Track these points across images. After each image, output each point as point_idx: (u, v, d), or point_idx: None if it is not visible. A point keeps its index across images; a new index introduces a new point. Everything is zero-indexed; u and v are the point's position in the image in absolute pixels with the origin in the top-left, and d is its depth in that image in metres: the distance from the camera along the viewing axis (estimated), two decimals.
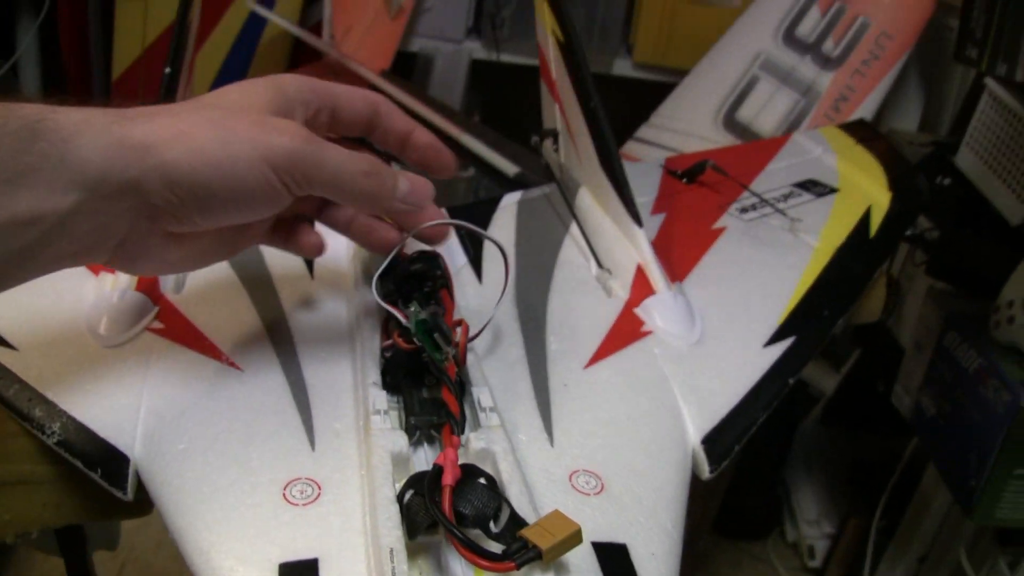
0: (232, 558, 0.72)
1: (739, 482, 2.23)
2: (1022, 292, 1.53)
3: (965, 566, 1.73)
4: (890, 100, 2.22)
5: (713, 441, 0.92)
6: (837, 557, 2.29)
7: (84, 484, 0.89)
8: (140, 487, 0.81)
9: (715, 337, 1.06)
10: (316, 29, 2.44)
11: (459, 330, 0.87)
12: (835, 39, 2.07)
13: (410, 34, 2.40)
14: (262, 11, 2.35)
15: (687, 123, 2.07)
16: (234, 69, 2.49)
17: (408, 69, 2.44)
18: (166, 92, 1.18)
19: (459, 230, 1.16)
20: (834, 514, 2.38)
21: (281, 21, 2.35)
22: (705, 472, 0.91)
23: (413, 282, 0.91)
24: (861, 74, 2.05)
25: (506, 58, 2.40)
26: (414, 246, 0.95)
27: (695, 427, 0.93)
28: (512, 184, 1.72)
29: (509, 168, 1.78)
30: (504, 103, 2.38)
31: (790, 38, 2.09)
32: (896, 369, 1.89)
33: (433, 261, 0.93)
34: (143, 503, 0.91)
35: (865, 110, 2.04)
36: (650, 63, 2.46)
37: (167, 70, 1.18)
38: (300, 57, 2.57)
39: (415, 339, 0.83)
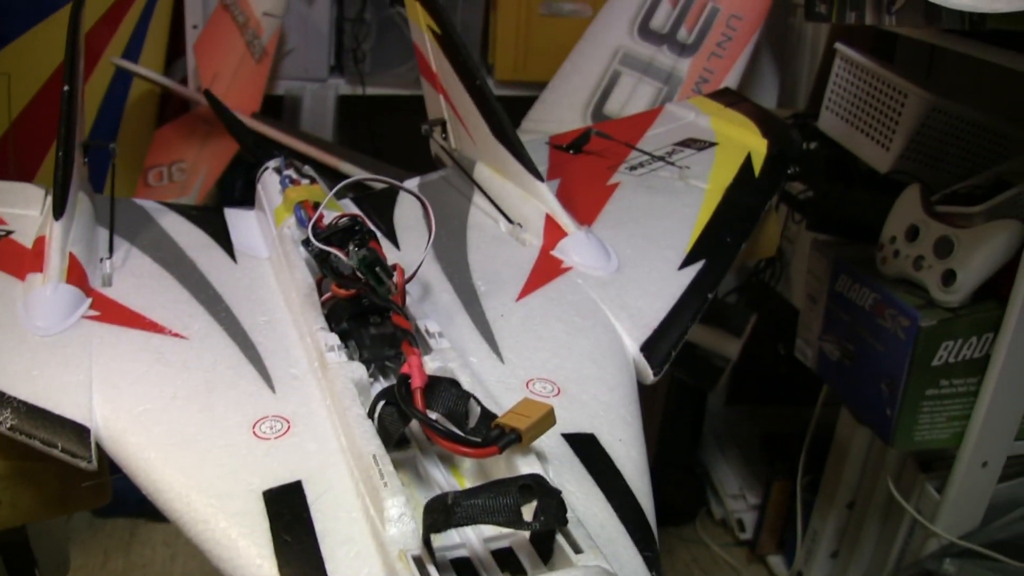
0: (215, 496, 0.75)
1: (658, 469, 2.28)
2: (902, 227, 1.62)
3: (896, 496, 1.79)
4: (747, 81, 2.32)
5: (650, 348, 0.99)
6: (767, 524, 2.35)
7: (38, 478, 0.92)
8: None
9: (632, 266, 1.12)
10: (181, 85, 2.46)
11: (395, 272, 0.91)
12: (688, 27, 2.16)
13: (274, 77, 2.44)
14: (126, 64, 2.35)
15: (557, 123, 2.13)
16: (105, 127, 2.49)
17: (276, 111, 2.48)
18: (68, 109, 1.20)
19: (368, 214, 1.22)
20: (756, 485, 2.44)
21: (148, 73, 2.37)
22: (649, 376, 0.98)
23: (343, 236, 0.95)
24: (717, 56, 2.14)
25: (372, 91, 2.45)
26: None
27: (631, 338, 1.00)
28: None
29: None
30: (375, 133, 2.43)
31: (645, 31, 2.18)
32: (793, 329, 1.96)
33: (355, 219, 0.97)
34: (101, 489, 0.94)
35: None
36: (512, 79, 2.53)
37: (65, 88, 1.21)
38: (167, 111, 2.57)
39: (360, 273, 0.88)
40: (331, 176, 2.02)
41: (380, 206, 1.31)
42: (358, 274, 0.90)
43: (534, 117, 2.23)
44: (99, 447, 0.83)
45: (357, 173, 1.94)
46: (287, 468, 0.76)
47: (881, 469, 1.90)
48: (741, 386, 2.57)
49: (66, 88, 1.19)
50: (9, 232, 1.14)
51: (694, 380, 2.11)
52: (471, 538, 0.68)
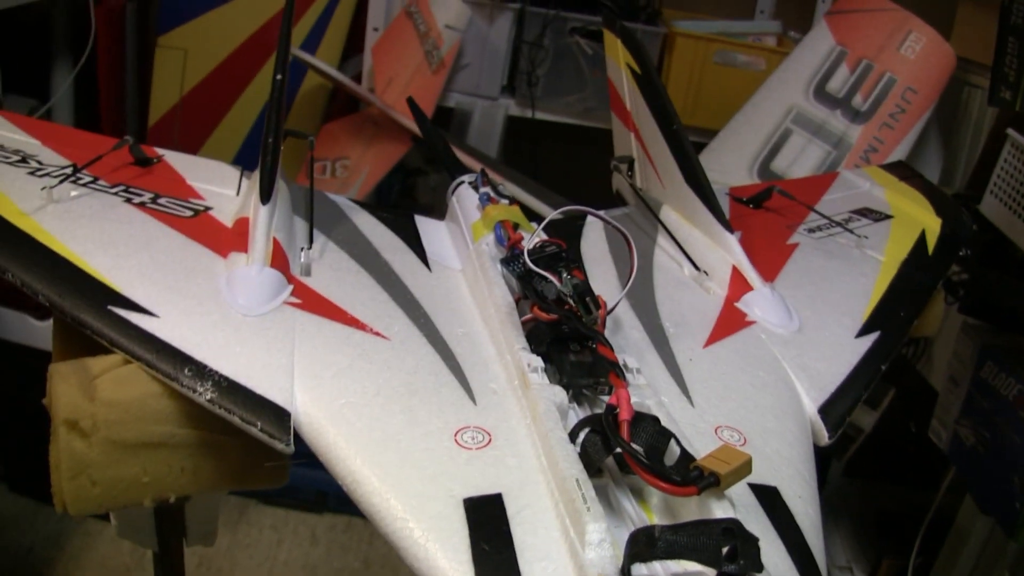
0: (415, 497, 0.79)
1: None
2: None
3: None
4: (910, 156, 2.33)
5: (827, 411, 1.02)
6: None
7: (222, 450, 0.96)
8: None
9: (812, 328, 1.15)
10: (355, 83, 2.53)
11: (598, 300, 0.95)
12: (864, 94, 2.18)
13: (447, 90, 2.50)
14: (305, 57, 2.43)
15: (723, 174, 2.17)
16: None
17: (444, 125, 2.54)
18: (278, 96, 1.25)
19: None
20: (863, 560, 2.44)
21: (326, 67, 2.44)
22: (824, 438, 1.01)
23: (548, 261, 0.99)
24: (889, 126, 2.16)
25: (540, 115, 2.50)
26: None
27: (810, 399, 1.03)
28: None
29: (549, 212, 1.86)
30: (535, 158, 2.48)
31: (821, 93, 2.21)
32: (928, 408, 1.97)
33: (561, 247, 1.02)
34: (280, 471, 0.98)
35: (893, 160, 2.14)
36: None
37: (277, 77, 1.26)
38: (334, 108, 2.67)
39: (570, 300, 0.92)
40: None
41: (566, 235, 1.35)
42: (564, 300, 0.94)
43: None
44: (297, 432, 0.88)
45: (519, 194, 1.99)
46: (488, 479, 0.80)
47: (998, 561, 1.90)
48: (863, 459, 2.57)
49: (278, 77, 1.25)
50: (208, 208, 1.19)
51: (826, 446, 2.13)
52: (681, 568, 0.71)
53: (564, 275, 0.95)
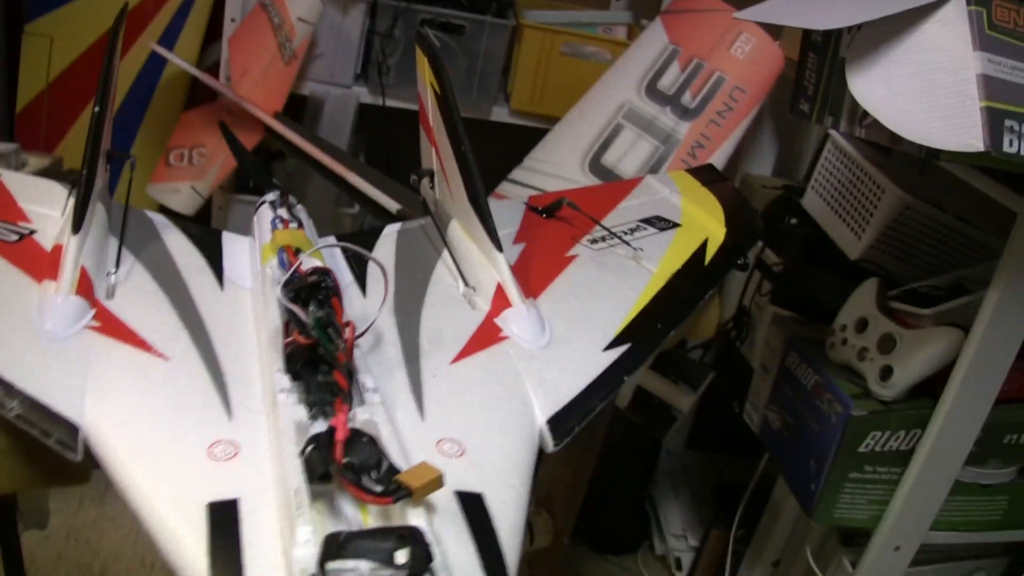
0: (168, 500, 0.98)
1: (609, 499, 2.51)
2: (853, 318, 1.82)
3: (812, 566, 2.00)
4: (747, 148, 2.53)
5: (557, 422, 1.21)
6: (701, 567, 2.58)
7: (34, 454, 1.16)
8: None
9: (562, 342, 1.34)
10: (212, 70, 2.67)
11: (347, 329, 1.13)
12: (693, 92, 2.36)
13: (302, 78, 2.63)
14: (162, 51, 2.55)
15: (556, 166, 2.34)
16: (134, 107, 2.72)
17: (299, 111, 2.68)
18: (96, 128, 1.41)
19: (345, 253, 1.44)
20: (698, 527, 2.67)
21: (181, 62, 2.56)
22: (550, 446, 1.20)
23: (309, 291, 1.17)
24: (716, 124, 2.34)
25: (391, 103, 2.66)
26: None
27: (542, 411, 1.21)
28: (394, 219, 1.94)
29: (392, 205, 2.00)
30: (388, 145, 2.64)
31: (652, 90, 2.38)
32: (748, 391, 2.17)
33: (325, 275, 1.19)
34: (84, 472, 1.17)
35: (719, 156, 2.32)
36: (526, 111, 2.74)
37: (96, 109, 1.42)
38: (196, 96, 2.78)
39: (312, 333, 1.10)
40: (340, 185, 2.22)
41: (363, 243, 1.52)
42: (311, 329, 1.12)
43: (536, 156, 2.43)
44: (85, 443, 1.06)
45: (363, 186, 2.14)
46: (229, 487, 0.99)
47: (806, 536, 2.11)
48: (702, 432, 2.79)
49: (96, 109, 1.42)
50: (32, 232, 1.36)
51: (646, 426, 2.32)
52: (361, 567, 0.89)
53: (311, 308, 1.13)
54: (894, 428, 1.75)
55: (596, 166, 2.33)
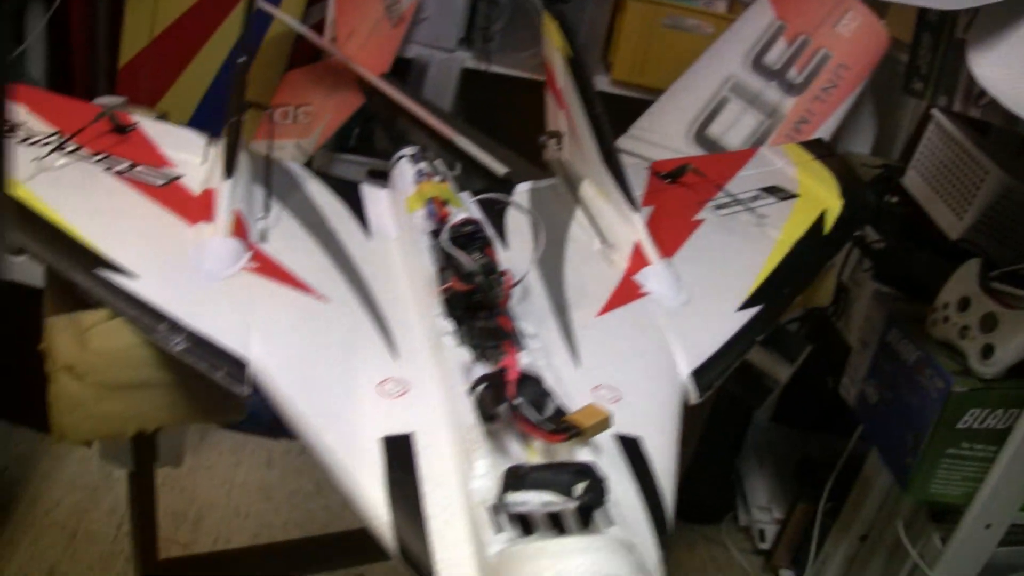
0: (342, 434, 1.04)
1: (696, 470, 2.54)
2: (955, 296, 1.85)
3: (903, 540, 2.04)
4: (846, 126, 2.55)
5: (699, 375, 1.26)
6: (785, 539, 2.62)
7: (193, 390, 1.21)
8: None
9: (698, 301, 1.39)
10: (316, 29, 2.68)
11: (503, 277, 1.18)
12: (798, 67, 2.39)
13: (406, 41, 2.67)
14: (269, 8, 2.59)
15: (661, 136, 2.38)
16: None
17: (404, 73, 2.71)
18: (240, 77, 1.47)
19: (486, 209, 1.49)
20: (783, 501, 2.71)
21: (288, 19, 2.58)
22: (693, 398, 1.24)
23: (466, 240, 1.22)
24: (820, 100, 2.37)
25: (495, 69, 2.70)
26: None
27: (684, 364, 1.26)
28: (500, 183, 1.98)
29: (498, 168, 2.04)
30: (490, 111, 2.67)
31: (759, 64, 2.41)
32: (844, 365, 2.21)
33: (477, 225, 1.25)
34: (239, 408, 1.23)
35: (822, 132, 2.35)
36: (627, 81, 2.75)
37: (242, 59, 1.48)
38: (297, 57, 2.81)
39: (476, 279, 1.15)
40: (446, 147, 2.26)
41: (496, 204, 1.56)
42: (475, 276, 1.17)
43: (641, 126, 2.46)
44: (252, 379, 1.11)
45: (468, 148, 2.18)
46: (402, 422, 1.05)
47: (896, 511, 2.14)
48: (789, 407, 2.82)
49: (243, 59, 1.47)
50: (178, 177, 1.41)
51: (743, 395, 2.35)
52: (533, 500, 0.95)
53: (475, 254, 1.18)
54: (993, 406, 1.77)
55: (701, 137, 2.37)
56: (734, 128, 2.37)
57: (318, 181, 1.52)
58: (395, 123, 1.81)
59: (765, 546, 2.72)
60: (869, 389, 2.06)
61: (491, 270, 1.17)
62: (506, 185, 1.74)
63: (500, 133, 2.14)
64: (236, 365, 1.11)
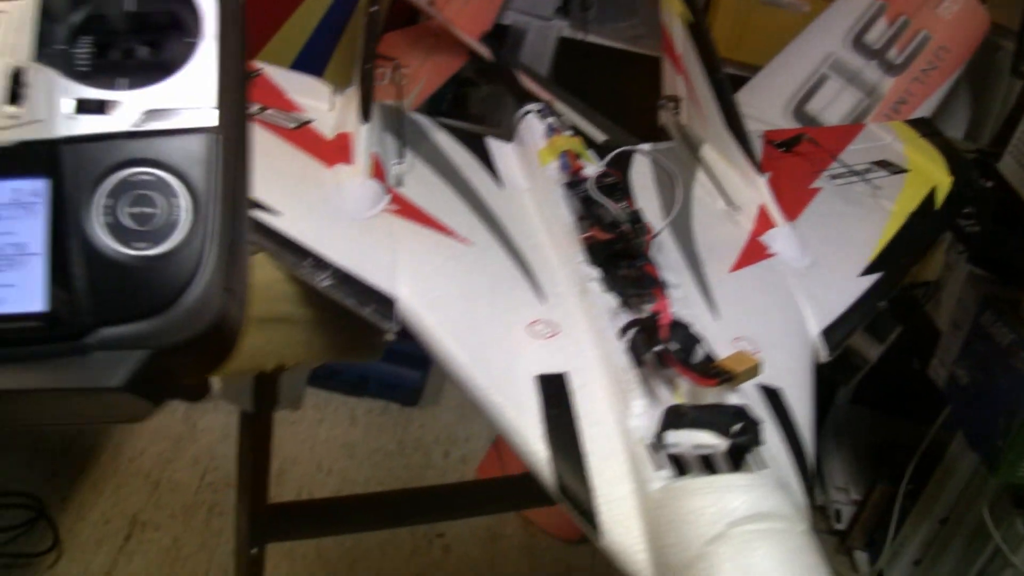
0: (498, 373, 1.08)
1: None
2: None
3: (988, 523, 2.06)
4: (939, 109, 2.56)
5: (828, 334, 1.29)
6: (861, 520, 2.64)
7: (333, 328, 1.24)
8: None
9: (822, 264, 1.42)
10: None
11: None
12: (899, 48, 2.40)
13: (505, 8, 2.64)
14: None
15: (759, 110, 2.39)
16: (335, 23, 2.78)
17: (500, 40, 2.67)
18: (372, 26, 1.51)
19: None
20: (860, 482, 2.73)
21: None
22: (823, 356, 1.28)
23: (606, 191, 1.26)
24: (920, 81, 2.39)
25: (592, 39, 2.71)
26: None
27: (815, 322, 1.29)
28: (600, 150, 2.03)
29: (597, 135, 2.07)
30: (585, 80, 2.70)
31: (859, 43, 2.42)
32: (931, 348, 2.23)
33: (617, 177, 1.28)
34: (376, 348, 1.26)
35: (920, 114, 2.36)
36: (724, 57, 2.72)
37: (372, 8, 1.52)
38: (392, 19, 2.82)
39: (623, 227, 1.18)
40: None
41: (621, 158, 1.59)
42: (617, 224, 1.21)
43: (740, 100, 2.48)
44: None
45: (568, 114, 2.20)
46: (555, 362, 1.09)
47: (980, 495, 2.17)
48: (869, 389, 2.84)
49: (374, 8, 1.51)
50: (309, 120, 1.43)
51: (831, 372, 2.38)
52: (684, 442, 0.98)
53: (620, 203, 1.22)
54: None
55: (800, 114, 2.38)
56: (832, 105, 2.39)
57: (445, 132, 1.55)
58: (515, 83, 1.83)
59: (840, 526, 2.75)
60: (960, 371, 2.08)
61: (637, 219, 1.20)
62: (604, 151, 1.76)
63: (595, 103, 2.16)
64: (384, 302, 1.14)
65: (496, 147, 1.55)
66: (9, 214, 0.64)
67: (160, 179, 0.67)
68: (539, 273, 1.24)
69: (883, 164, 1.76)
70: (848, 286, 1.39)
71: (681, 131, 1.70)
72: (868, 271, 1.43)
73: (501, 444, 2.82)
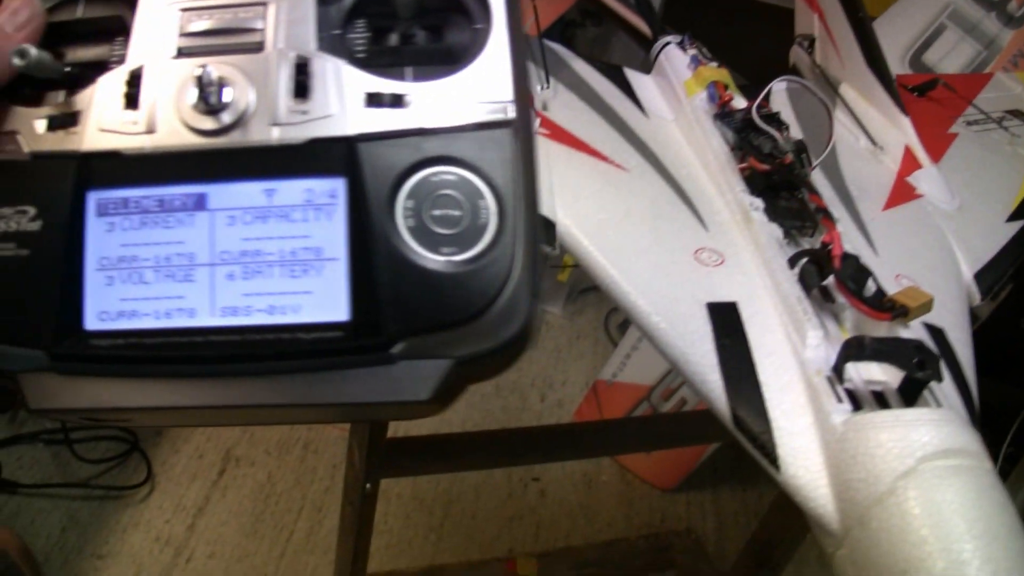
0: (664, 299, 1.07)
1: None
2: None
3: None
4: None
5: (981, 277, 1.29)
6: None
7: None
8: None
9: (969, 208, 1.41)
10: None
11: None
12: (1019, 1, 2.38)
13: None
14: None
15: None
16: None
17: None
18: None
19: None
20: None
21: None
22: (976, 299, 1.28)
23: (766, 122, 1.26)
24: None
25: None
26: None
27: (967, 265, 1.29)
28: None
29: None
30: (691, 25, 2.70)
31: None
32: None
33: (770, 110, 1.28)
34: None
35: None
36: None
37: None
38: None
39: (790, 155, 1.19)
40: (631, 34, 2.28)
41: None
42: (776, 154, 1.21)
43: None
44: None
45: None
46: (724, 290, 1.08)
47: None
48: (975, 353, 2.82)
49: None
50: None
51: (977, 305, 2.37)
52: (856, 378, 0.99)
53: (786, 135, 1.22)
54: None
55: (917, 63, 2.36)
56: (950, 56, 2.37)
57: (583, 61, 1.55)
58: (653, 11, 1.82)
59: None
60: None
61: (803, 148, 1.20)
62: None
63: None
64: (545, 225, 1.12)
65: (635, 77, 1.55)
66: (302, 216, 0.62)
67: (463, 179, 0.64)
68: (697, 201, 1.24)
69: (1016, 113, 1.76)
70: (996, 231, 1.38)
71: (817, 71, 1.69)
72: (1014, 217, 1.42)
73: (599, 388, 2.84)
